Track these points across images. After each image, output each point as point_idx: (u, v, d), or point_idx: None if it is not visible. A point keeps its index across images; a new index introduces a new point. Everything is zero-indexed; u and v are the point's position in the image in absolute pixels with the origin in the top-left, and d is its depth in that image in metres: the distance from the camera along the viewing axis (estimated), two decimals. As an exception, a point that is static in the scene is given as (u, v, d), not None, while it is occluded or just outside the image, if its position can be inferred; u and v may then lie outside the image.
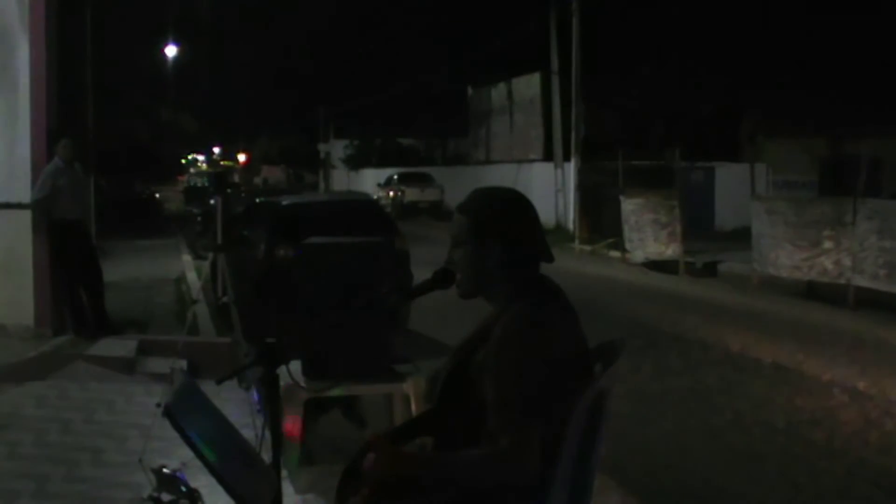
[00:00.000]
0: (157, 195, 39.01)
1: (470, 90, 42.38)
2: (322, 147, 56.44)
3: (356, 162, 52.45)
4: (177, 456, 5.22)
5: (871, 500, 6.24)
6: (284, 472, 5.33)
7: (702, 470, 6.71)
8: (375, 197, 31.96)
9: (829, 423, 7.91)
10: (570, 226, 27.27)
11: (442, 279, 3.03)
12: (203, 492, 3.66)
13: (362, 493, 2.89)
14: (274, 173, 72.12)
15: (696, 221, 21.79)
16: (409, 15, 45.02)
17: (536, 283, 2.96)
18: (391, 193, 39.15)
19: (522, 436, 2.66)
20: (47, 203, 9.57)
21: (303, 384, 6.04)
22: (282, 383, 2.81)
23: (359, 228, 11.38)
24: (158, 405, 5.89)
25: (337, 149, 54.88)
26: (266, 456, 3.01)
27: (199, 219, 22.08)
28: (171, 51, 41.00)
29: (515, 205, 3.00)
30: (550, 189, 29.79)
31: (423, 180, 40.22)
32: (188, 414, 2.87)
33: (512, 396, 2.70)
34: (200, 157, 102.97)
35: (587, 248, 23.74)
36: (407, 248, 11.76)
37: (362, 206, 13.43)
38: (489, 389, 2.76)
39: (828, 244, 14.34)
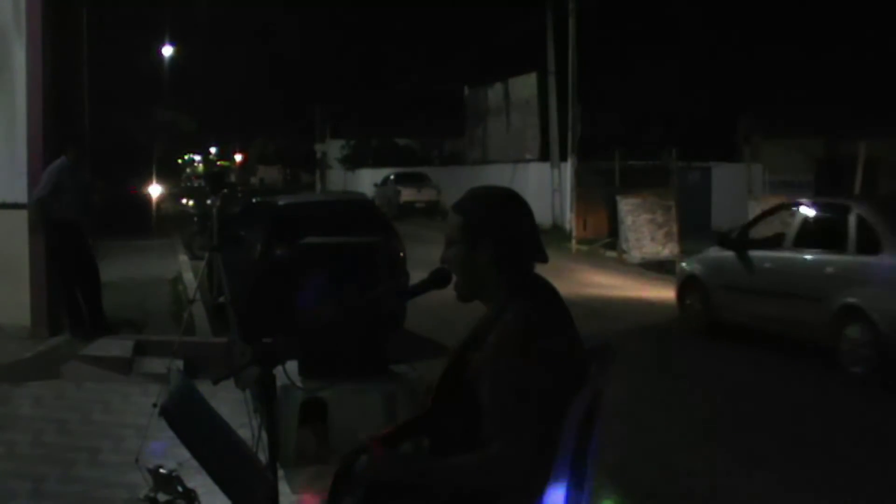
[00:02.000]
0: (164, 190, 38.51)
1: (466, 90, 42.38)
2: (318, 147, 56.40)
3: (352, 162, 52.41)
4: (173, 456, 5.23)
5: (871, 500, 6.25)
6: (280, 472, 5.34)
7: (701, 471, 6.71)
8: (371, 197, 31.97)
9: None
10: (567, 226, 27.28)
11: (439, 279, 3.04)
12: (200, 492, 3.66)
13: (356, 494, 2.89)
14: (270, 173, 72.09)
15: (693, 222, 21.80)
16: (406, 15, 45.01)
17: (530, 283, 2.96)
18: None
19: (515, 440, 2.67)
20: (49, 201, 9.56)
21: (299, 384, 6.06)
22: (278, 383, 2.82)
23: (355, 229, 11.40)
24: (155, 405, 5.89)
25: (333, 149, 54.84)
26: (262, 456, 3.01)
27: (195, 219, 22.05)
28: (167, 51, 40.94)
29: (510, 204, 3.01)
30: (547, 189, 29.81)
31: (420, 180, 40.23)
32: (185, 414, 2.87)
33: (506, 401, 2.71)
34: (197, 158, 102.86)
35: (584, 248, 23.74)
36: (403, 249, 11.76)
37: (359, 207, 13.43)
38: (484, 393, 2.76)
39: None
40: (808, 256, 10.38)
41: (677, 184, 19.97)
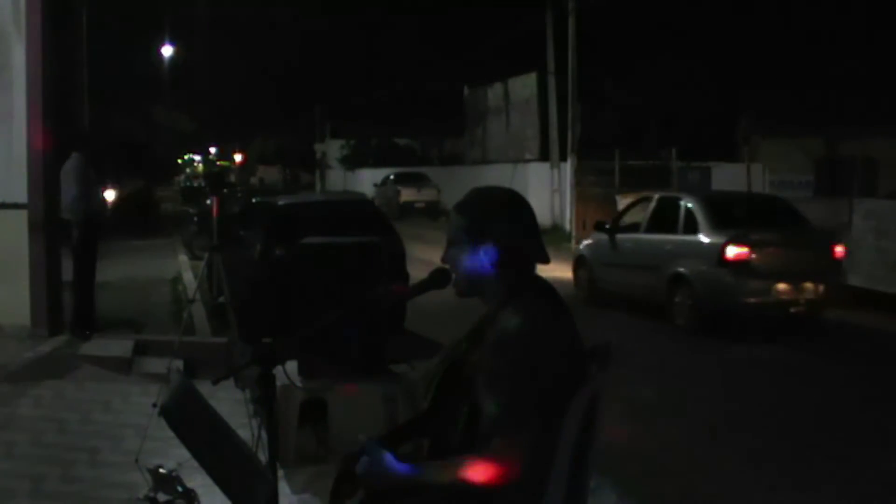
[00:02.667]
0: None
1: (466, 90, 42.38)
2: (318, 147, 56.41)
3: (352, 162, 52.41)
4: (173, 456, 5.23)
5: (870, 499, 6.25)
6: (280, 472, 5.34)
7: (700, 471, 6.71)
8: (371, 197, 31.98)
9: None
10: (567, 226, 27.28)
11: (438, 279, 3.03)
12: (199, 492, 3.66)
13: (357, 496, 2.89)
14: (270, 173, 72.06)
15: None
16: (406, 14, 45.01)
17: (531, 283, 2.96)
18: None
19: (513, 439, 2.67)
20: (82, 199, 9.68)
21: (299, 384, 6.05)
22: (278, 383, 2.81)
23: (355, 229, 11.39)
24: (155, 405, 5.89)
25: (333, 149, 54.82)
26: (262, 456, 3.01)
27: (195, 219, 22.03)
28: (167, 51, 40.99)
29: (512, 205, 3.01)
30: (547, 189, 29.80)
31: (420, 180, 40.22)
32: (184, 414, 2.87)
33: (504, 400, 2.71)
34: (197, 157, 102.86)
35: (583, 247, 23.68)
36: (403, 248, 11.76)
37: (358, 207, 13.42)
38: (483, 392, 2.76)
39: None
40: (654, 237, 13.22)
41: (677, 184, 19.93)
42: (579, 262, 15.13)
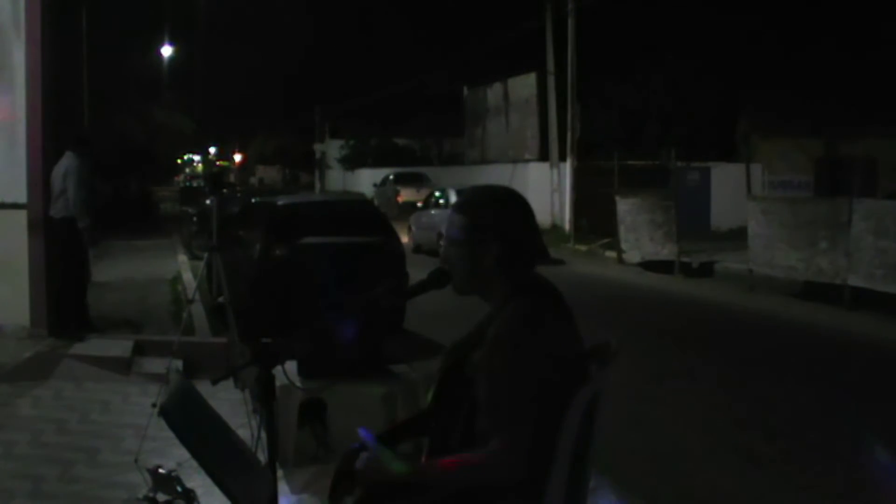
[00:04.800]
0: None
1: (466, 90, 42.35)
2: (318, 147, 56.40)
3: (352, 162, 52.41)
4: (172, 456, 5.23)
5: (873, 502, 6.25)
6: (280, 472, 5.34)
7: (700, 471, 6.71)
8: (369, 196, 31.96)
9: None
10: (566, 226, 27.30)
11: (438, 279, 3.03)
12: (199, 492, 3.66)
13: (356, 494, 2.89)
14: (269, 173, 72.08)
15: (692, 222, 21.77)
16: (406, 15, 45.01)
17: (532, 282, 2.95)
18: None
19: (513, 438, 2.66)
20: (90, 199, 9.74)
21: (298, 384, 6.05)
22: (277, 383, 2.81)
23: (355, 229, 11.41)
24: (154, 405, 5.89)
25: (332, 149, 54.83)
26: (262, 456, 3.01)
27: (194, 219, 22.03)
28: (166, 51, 40.98)
29: (512, 204, 3.00)
30: (546, 189, 29.79)
31: (419, 180, 40.22)
32: (184, 414, 2.87)
33: (504, 398, 2.70)
34: (196, 158, 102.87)
35: (583, 248, 23.74)
36: (402, 248, 11.76)
37: (358, 207, 13.42)
38: (482, 390, 2.76)
39: (823, 244, 14.34)
40: (434, 212, 23.16)
41: (676, 184, 19.95)
42: (409, 228, 24.58)
